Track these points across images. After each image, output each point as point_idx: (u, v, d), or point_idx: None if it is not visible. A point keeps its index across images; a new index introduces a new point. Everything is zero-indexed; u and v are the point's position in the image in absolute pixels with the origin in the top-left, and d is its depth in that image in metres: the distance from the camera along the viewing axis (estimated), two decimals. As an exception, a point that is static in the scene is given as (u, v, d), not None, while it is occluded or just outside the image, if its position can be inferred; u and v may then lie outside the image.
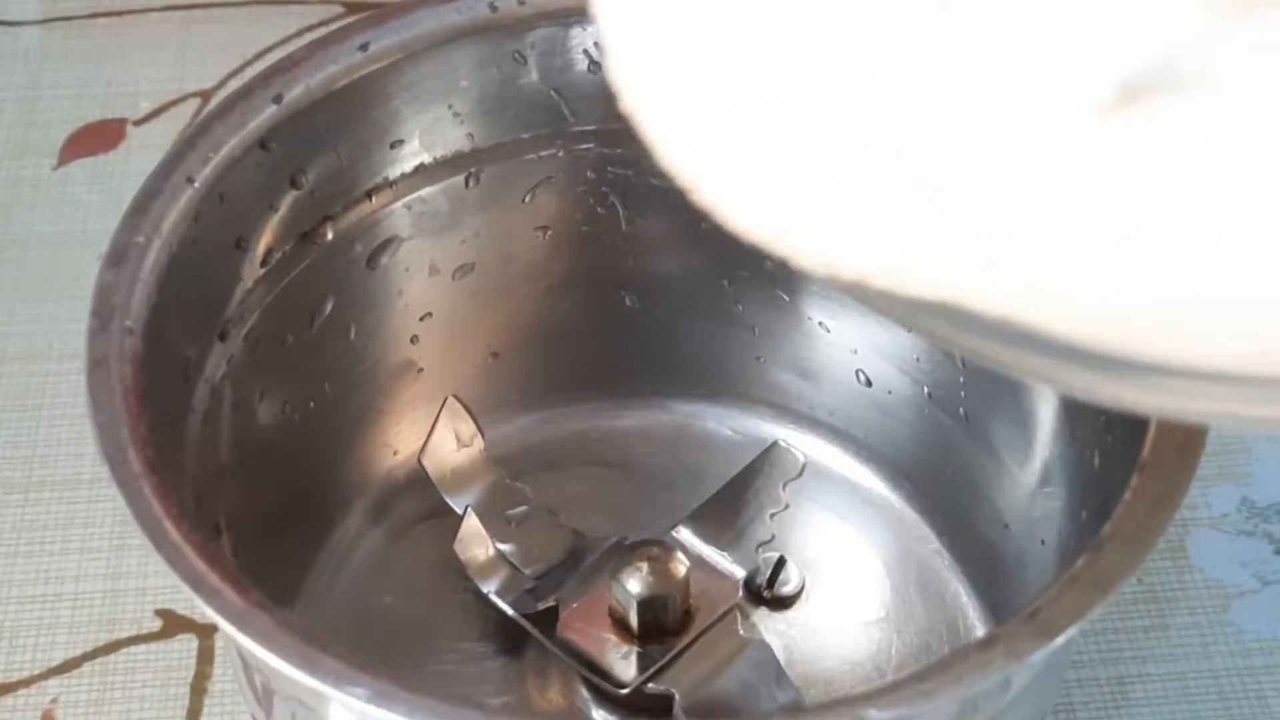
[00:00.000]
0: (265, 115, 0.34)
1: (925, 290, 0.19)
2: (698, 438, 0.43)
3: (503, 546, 0.38)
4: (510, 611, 0.36)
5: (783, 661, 0.37)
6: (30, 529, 0.44)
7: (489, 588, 0.37)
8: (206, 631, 0.42)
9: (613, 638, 0.36)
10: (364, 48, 0.35)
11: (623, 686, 0.36)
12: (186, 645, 0.42)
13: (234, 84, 0.53)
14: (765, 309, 0.41)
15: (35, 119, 0.55)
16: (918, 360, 0.39)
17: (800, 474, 0.40)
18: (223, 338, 0.35)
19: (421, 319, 0.40)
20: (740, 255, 0.24)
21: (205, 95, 0.56)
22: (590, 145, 0.38)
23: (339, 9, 0.58)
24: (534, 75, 0.37)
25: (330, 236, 0.37)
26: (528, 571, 0.38)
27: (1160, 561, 0.43)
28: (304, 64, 0.34)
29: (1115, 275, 0.18)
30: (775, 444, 0.40)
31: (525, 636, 0.38)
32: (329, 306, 0.38)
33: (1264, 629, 0.42)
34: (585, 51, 0.37)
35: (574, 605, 0.37)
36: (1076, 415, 0.34)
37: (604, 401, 0.43)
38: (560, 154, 0.38)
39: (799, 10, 0.22)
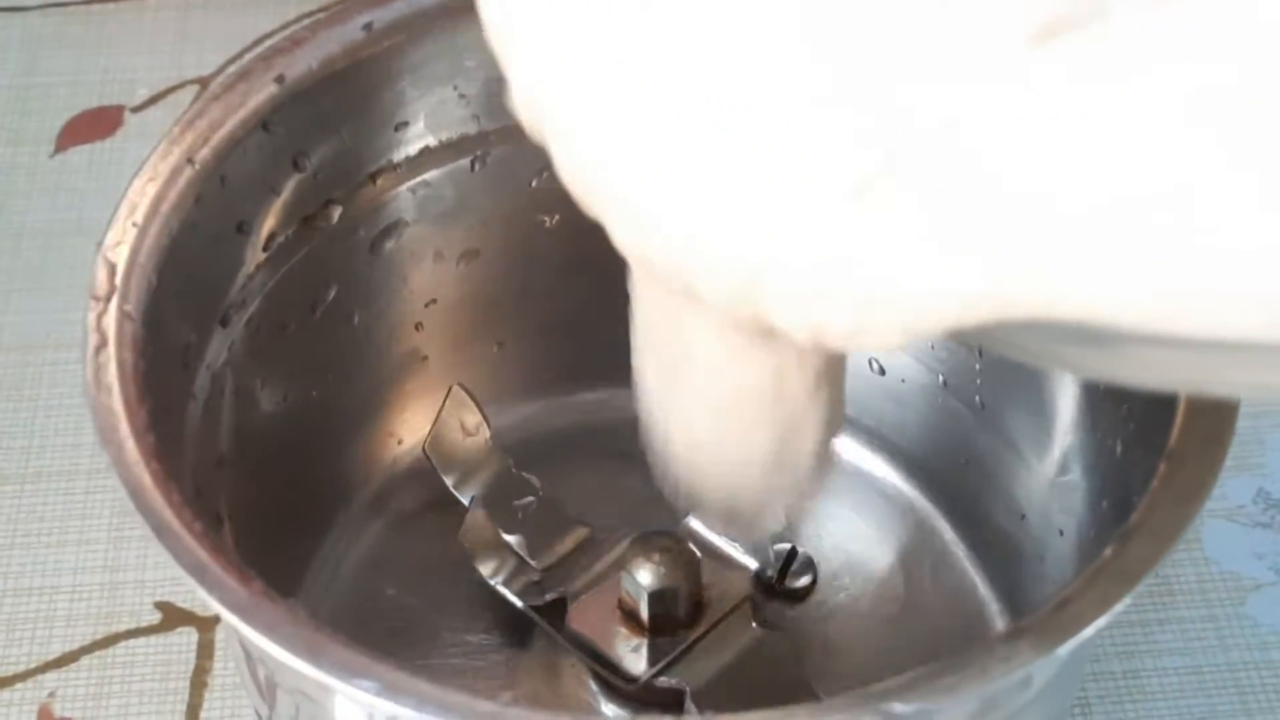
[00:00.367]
0: (267, 96, 0.33)
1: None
2: (707, 427, 0.42)
3: (510, 538, 0.38)
4: (519, 603, 0.35)
5: (796, 654, 0.36)
6: (27, 520, 0.44)
7: (496, 579, 0.37)
8: (206, 624, 0.41)
9: (623, 630, 0.36)
10: (367, 27, 0.35)
11: (633, 680, 0.35)
12: (186, 638, 0.41)
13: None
14: (775, 296, 0.40)
15: (31, 106, 0.55)
16: (932, 348, 0.39)
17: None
18: (224, 323, 0.34)
19: (426, 306, 0.40)
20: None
21: (203, 82, 0.55)
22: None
23: (339, -6, 0.57)
24: (541, 57, 0.37)
25: (334, 221, 0.36)
26: (535, 563, 0.38)
27: (1175, 554, 0.42)
28: (306, 43, 0.34)
29: (1126, 257, 0.18)
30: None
31: (532, 629, 0.37)
32: (332, 292, 0.37)
33: (1281, 622, 0.41)
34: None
35: (583, 597, 0.36)
36: (1097, 403, 0.33)
37: (613, 391, 0.42)
38: (568, 138, 0.38)
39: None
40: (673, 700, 0.35)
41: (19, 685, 0.40)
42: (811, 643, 0.38)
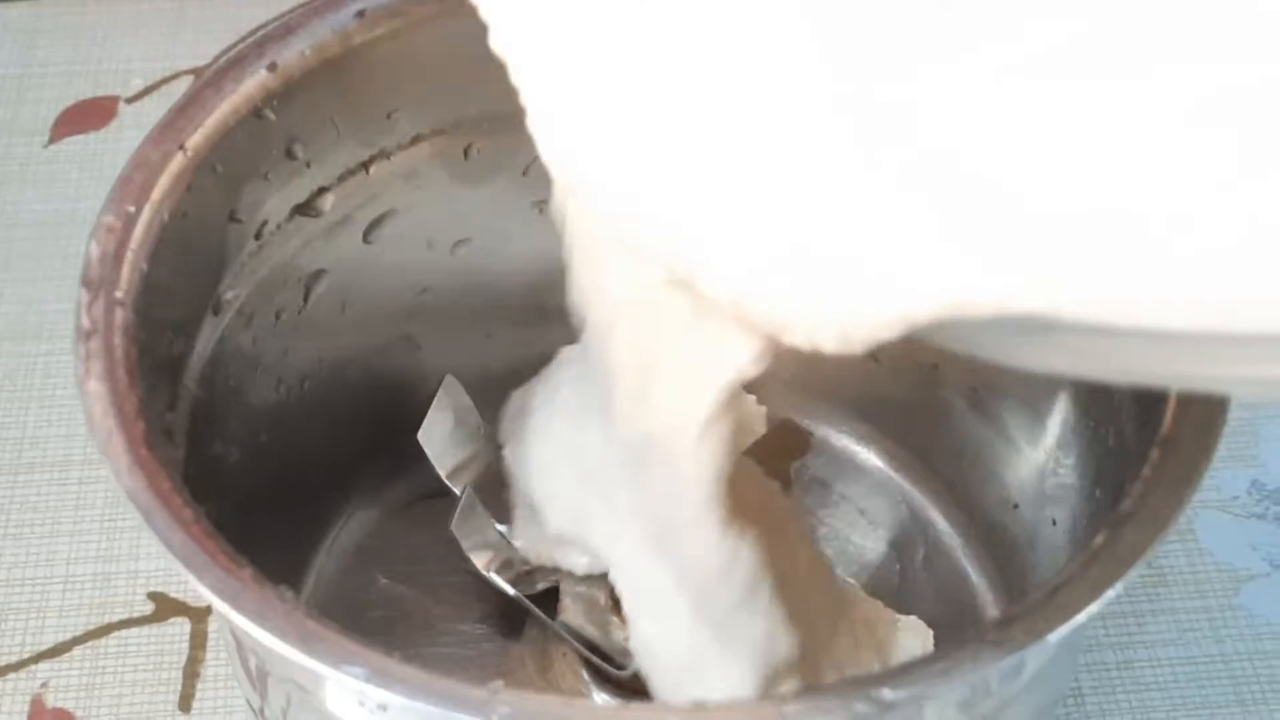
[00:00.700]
0: (259, 83, 0.33)
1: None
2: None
3: (502, 527, 0.37)
4: (511, 591, 0.35)
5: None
6: (20, 511, 0.44)
7: (489, 569, 0.36)
8: (199, 615, 0.41)
9: (615, 619, 0.35)
10: (360, 14, 0.34)
11: (624, 668, 0.35)
12: (179, 629, 0.41)
13: (227, 60, 0.52)
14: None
15: (25, 96, 0.55)
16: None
17: (807, 452, 0.39)
18: (216, 311, 0.34)
19: (419, 294, 0.40)
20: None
21: (198, 73, 0.55)
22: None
23: (334, -15, 0.57)
24: (535, 45, 0.36)
25: (326, 209, 0.36)
26: (527, 552, 0.37)
27: (1169, 545, 0.43)
28: (298, 30, 0.34)
29: (1126, 258, 0.18)
30: (782, 421, 0.40)
31: (524, 618, 0.37)
32: (324, 280, 0.37)
33: (1275, 613, 0.41)
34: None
35: (575, 586, 0.36)
36: (1089, 393, 0.33)
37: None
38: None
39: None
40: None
41: (12, 675, 0.40)
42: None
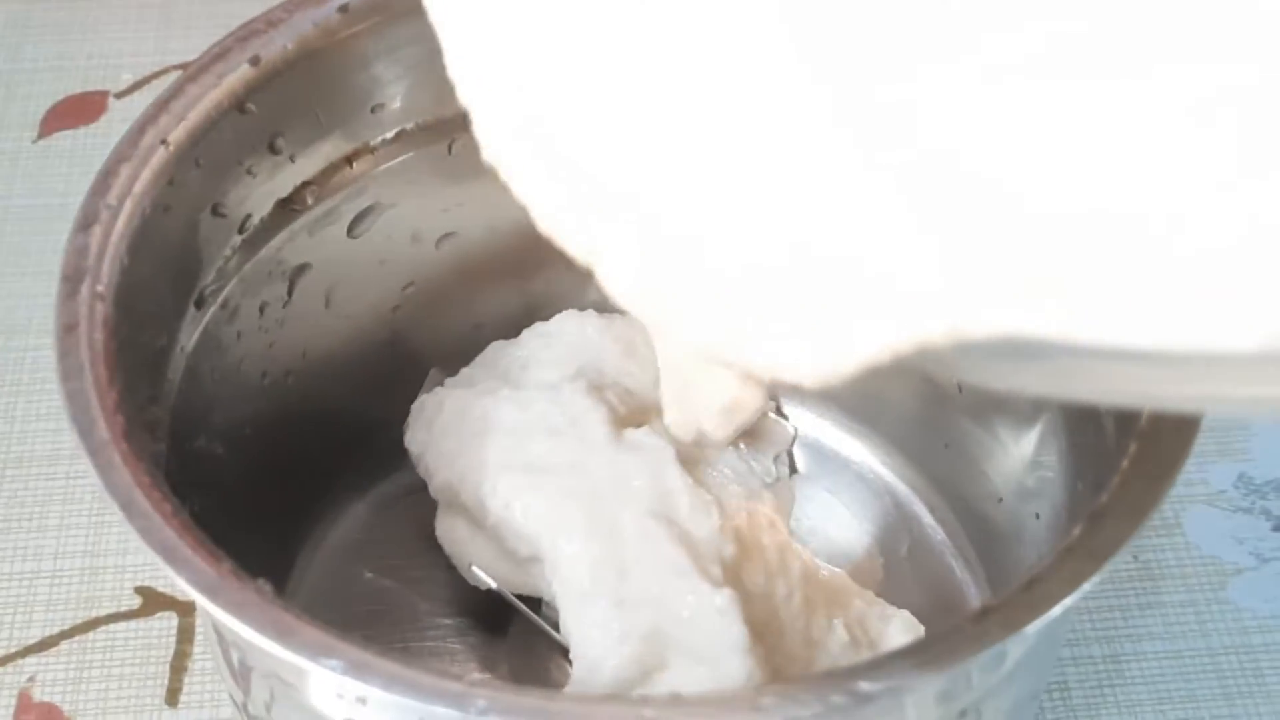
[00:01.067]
0: (242, 77, 0.33)
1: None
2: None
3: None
4: (493, 585, 0.35)
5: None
6: (8, 505, 0.44)
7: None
8: (186, 609, 0.41)
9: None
10: (343, 9, 0.34)
11: (609, 663, 0.35)
12: (166, 623, 0.41)
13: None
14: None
15: (15, 91, 0.55)
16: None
17: (791, 445, 0.39)
18: (199, 305, 0.34)
19: (404, 288, 0.40)
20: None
21: (187, 68, 0.55)
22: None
23: (324, -20, 0.57)
24: (520, 40, 0.36)
25: (310, 203, 0.36)
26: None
27: (1156, 539, 0.43)
28: (281, 25, 0.34)
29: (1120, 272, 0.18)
30: (765, 415, 0.40)
31: (509, 613, 0.37)
32: (308, 275, 0.37)
33: (1261, 607, 0.41)
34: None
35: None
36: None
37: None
38: (545, 121, 0.38)
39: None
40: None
41: (-2, 669, 0.40)
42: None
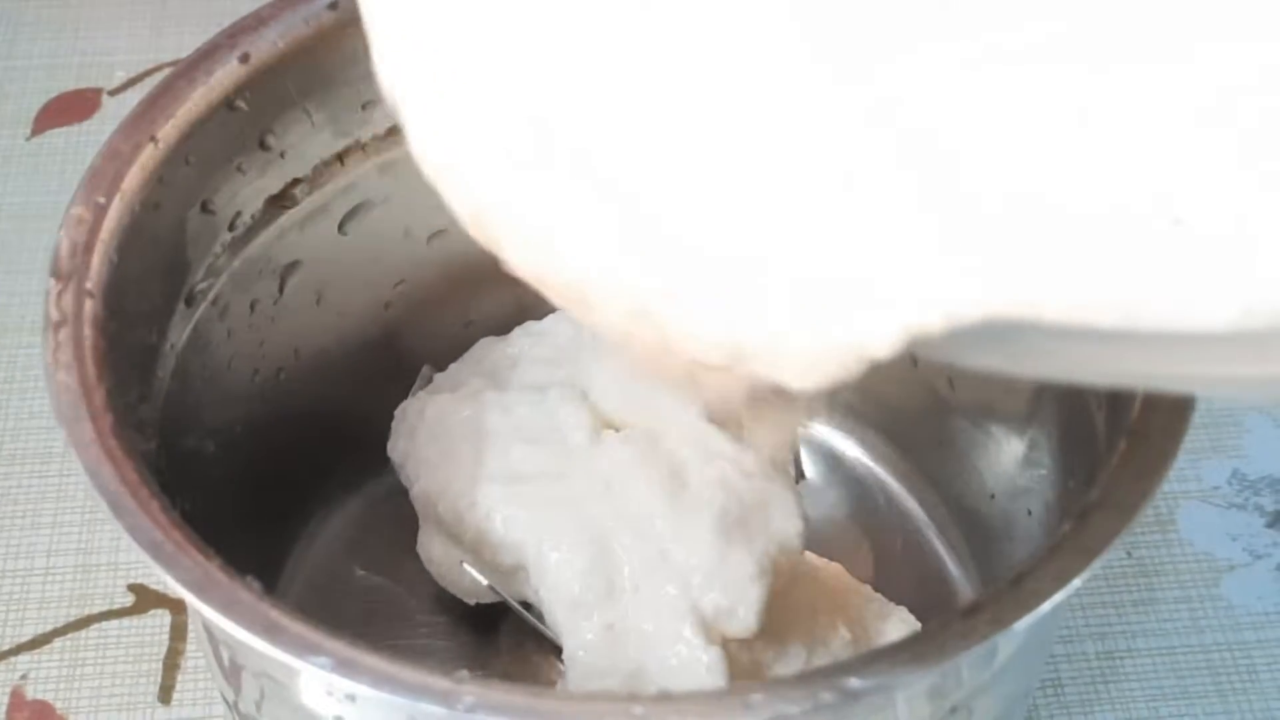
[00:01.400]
0: (232, 75, 0.33)
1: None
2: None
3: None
4: (485, 582, 0.35)
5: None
6: (1, 503, 0.44)
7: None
8: (179, 607, 0.41)
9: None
10: (333, 5, 0.34)
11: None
12: (159, 620, 0.41)
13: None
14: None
15: (8, 89, 0.55)
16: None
17: (797, 450, 0.39)
18: (189, 302, 0.34)
19: (395, 285, 0.40)
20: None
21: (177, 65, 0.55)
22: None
23: (317, -23, 0.57)
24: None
25: (301, 200, 0.36)
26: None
27: (1150, 535, 0.43)
28: (271, 22, 0.34)
29: (1106, 255, 0.18)
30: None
31: (501, 612, 0.37)
32: (299, 272, 0.37)
33: (1254, 603, 0.41)
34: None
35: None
36: (1065, 385, 0.33)
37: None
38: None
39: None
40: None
41: (-9, 667, 0.40)
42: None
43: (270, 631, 0.25)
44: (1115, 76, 0.18)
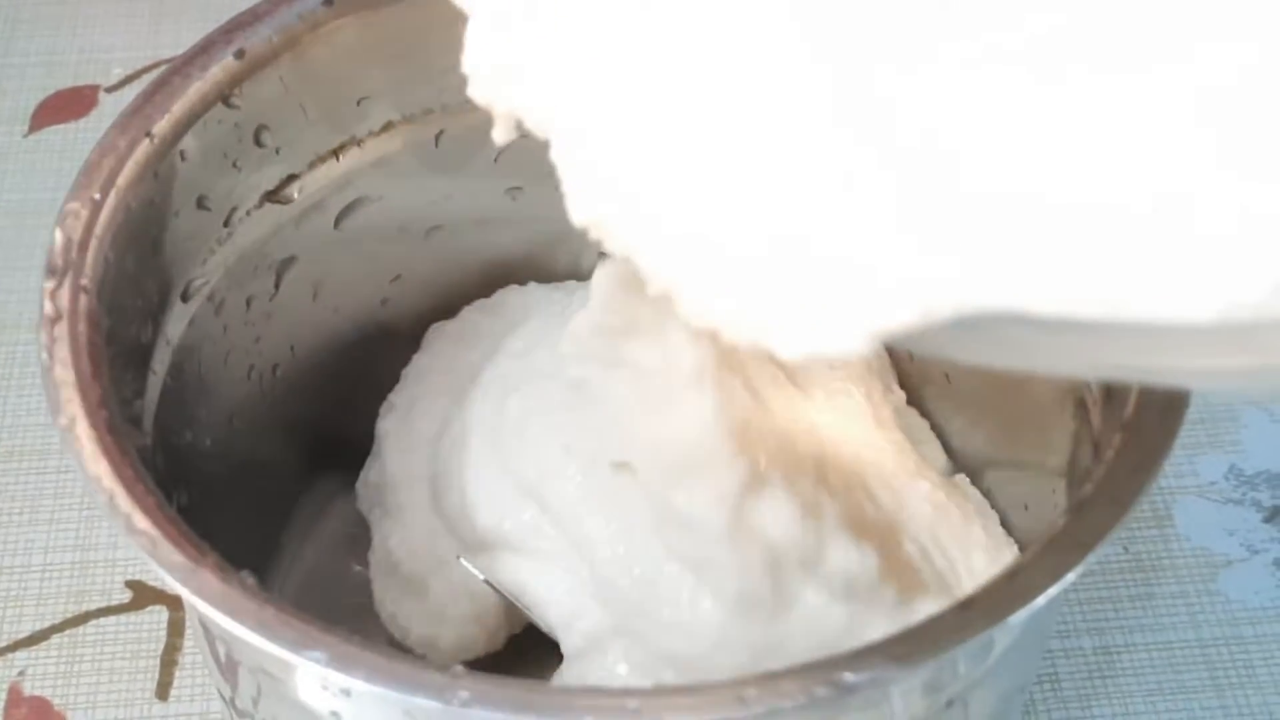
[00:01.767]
0: (227, 70, 0.33)
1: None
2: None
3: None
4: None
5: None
6: (-1, 499, 0.44)
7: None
8: (177, 603, 0.41)
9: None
10: (328, 2, 0.34)
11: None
12: (156, 617, 0.41)
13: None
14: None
15: (5, 86, 0.55)
16: (899, 323, 0.39)
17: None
18: (185, 298, 0.34)
19: (391, 281, 0.40)
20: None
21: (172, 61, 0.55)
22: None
23: (315, -27, 0.57)
24: (506, 31, 0.36)
25: (296, 196, 0.36)
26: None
27: (1147, 530, 0.43)
28: (266, 17, 0.34)
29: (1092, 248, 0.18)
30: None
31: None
32: (296, 268, 0.37)
33: (1252, 598, 0.41)
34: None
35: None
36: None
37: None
38: (533, 113, 0.38)
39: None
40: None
41: (-11, 663, 0.40)
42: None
43: (265, 626, 0.25)
44: (1104, 76, 0.18)
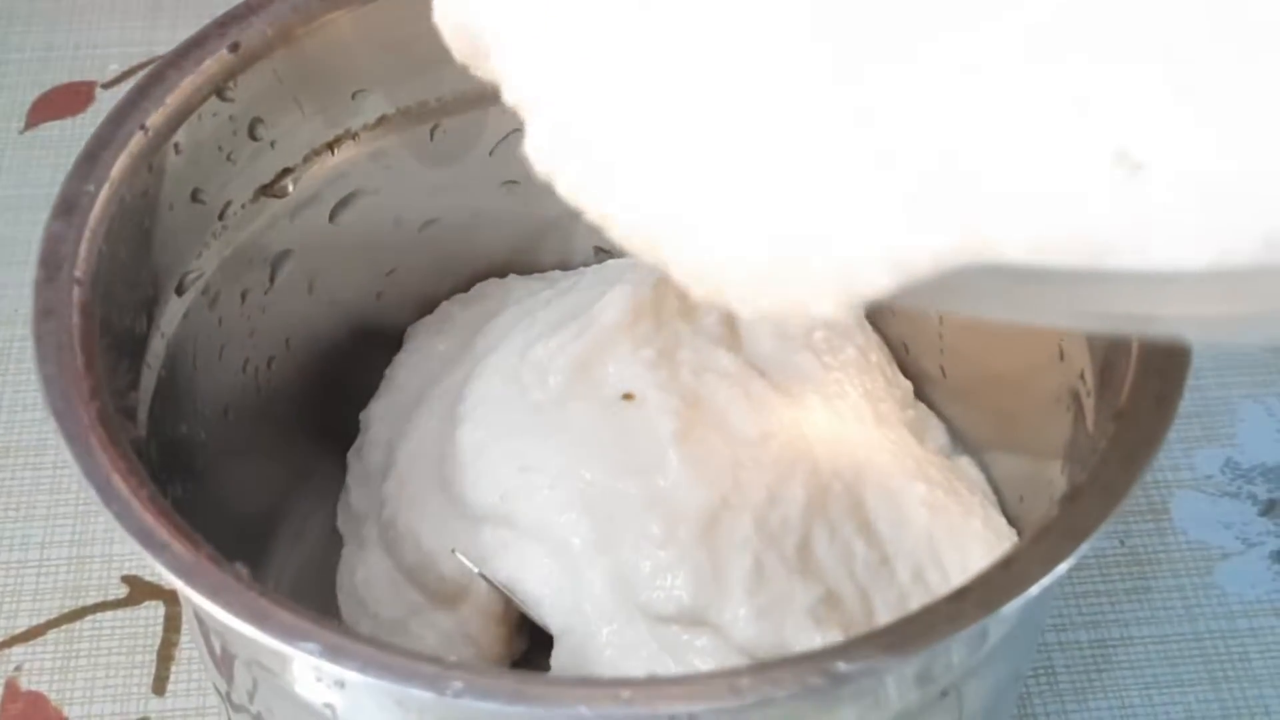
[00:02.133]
0: (221, 63, 0.33)
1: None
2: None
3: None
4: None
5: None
6: (-6, 495, 0.44)
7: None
8: (173, 598, 0.41)
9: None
10: (324, -6, 0.34)
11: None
12: (153, 612, 0.41)
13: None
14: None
15: (1, 82, 0.55)
16: (893, 315, 0.39)
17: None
18: (180, 291, 0.34)
19: (387, 274, 0.40)
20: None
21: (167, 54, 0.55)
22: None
23: (311, -31, 0.57)
24: (501, 24, 0.36)
25: (291, 189, 0.36)
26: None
27: (1143, 524, 0.43)
28: (261, 10, 0.34)
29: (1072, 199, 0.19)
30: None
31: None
32: (290, 261, 0.37)
33: (1247, 591, 0.41)
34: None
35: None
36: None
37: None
38: (528, 106, 0.38)
39: None
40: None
41: (-15, 658, 0.40)
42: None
43: (259, 617, 0.25)
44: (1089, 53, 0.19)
